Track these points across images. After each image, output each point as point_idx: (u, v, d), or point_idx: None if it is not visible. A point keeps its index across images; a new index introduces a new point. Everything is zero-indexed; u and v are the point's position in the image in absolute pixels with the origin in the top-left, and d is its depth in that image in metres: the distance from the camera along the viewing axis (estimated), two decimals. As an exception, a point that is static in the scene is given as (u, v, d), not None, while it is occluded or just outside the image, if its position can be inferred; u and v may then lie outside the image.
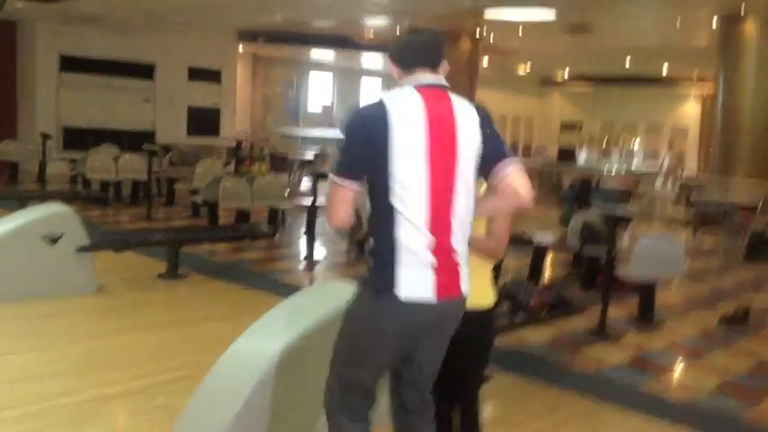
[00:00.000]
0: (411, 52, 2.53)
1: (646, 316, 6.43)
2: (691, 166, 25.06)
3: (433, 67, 2.51)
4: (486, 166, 2.49)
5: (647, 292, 6.49)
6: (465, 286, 2.51)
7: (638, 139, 26.22)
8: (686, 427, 4.17)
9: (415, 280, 2.41)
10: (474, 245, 2.68)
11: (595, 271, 7.78)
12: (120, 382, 4.33)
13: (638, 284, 6.59)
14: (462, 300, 2.52)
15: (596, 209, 7.51)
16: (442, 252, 2.43)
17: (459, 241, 2.47)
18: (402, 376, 2.66)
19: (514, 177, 2.45)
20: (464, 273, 2.50)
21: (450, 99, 2.48)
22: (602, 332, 5.85)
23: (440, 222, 2.42)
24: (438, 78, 2.52)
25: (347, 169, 2.45)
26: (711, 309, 7.13)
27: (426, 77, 2.49)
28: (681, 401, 4.60)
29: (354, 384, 2.61)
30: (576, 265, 8.45)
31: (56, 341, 5.05)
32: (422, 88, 2.46)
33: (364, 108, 2.49)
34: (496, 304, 2.99)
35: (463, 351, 2.90)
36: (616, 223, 5.99)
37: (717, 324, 6.52)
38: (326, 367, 2.69)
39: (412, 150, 2.38)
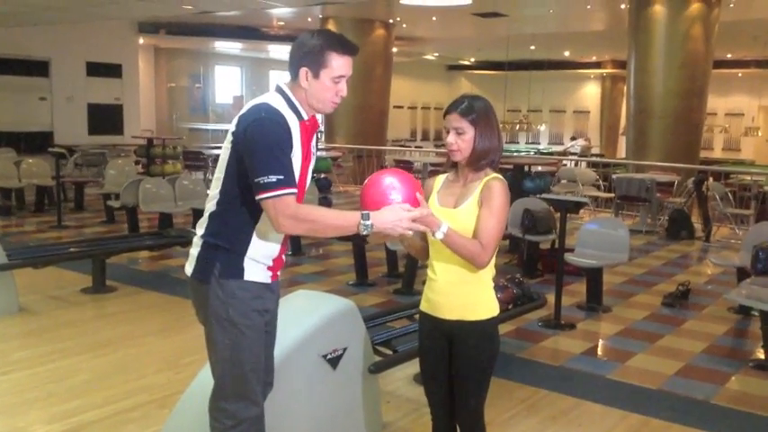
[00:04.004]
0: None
1: (594, 302, 6.44)
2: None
3: (291, 77, 2.50)
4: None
5: (594, 278, 6.49)
6: (187, 266, 2.59)
7: (544, 124, 26.79)
8: (665, 416, 4.14)
9: None
10: (451, 244, 2.52)
11: (536, 258, 7.79)
12: (69, 416, 3.90)
13: (583, 269, 6.59)
14: (189, 278, 2.57)
15: (534, 195, 7.48)
16: None
17: (198, 225, 2.58)
18: None
19: (265, 209, 2.37)
20: (190, 253, 2.57)
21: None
22: (558, 322, 5.80)
23: None
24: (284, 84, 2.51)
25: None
26: (651, 289, 7.26)
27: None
28: (652, 389, 4.57)
29: None
30: (514, 252, 8.44)
31: (-16, 374, 4.53)
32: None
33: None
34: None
35: (462, 365, 2.69)
36: (567, 210, 5.92)
37: (661, 305, 6.63)
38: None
39: None
